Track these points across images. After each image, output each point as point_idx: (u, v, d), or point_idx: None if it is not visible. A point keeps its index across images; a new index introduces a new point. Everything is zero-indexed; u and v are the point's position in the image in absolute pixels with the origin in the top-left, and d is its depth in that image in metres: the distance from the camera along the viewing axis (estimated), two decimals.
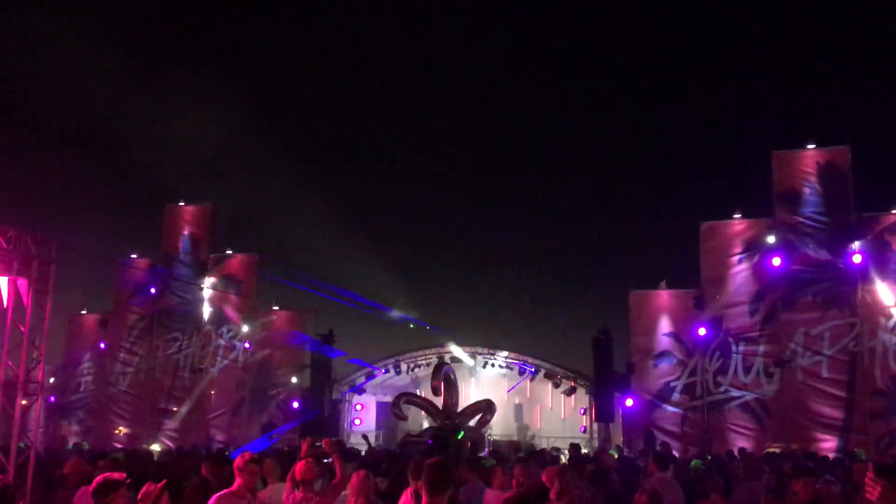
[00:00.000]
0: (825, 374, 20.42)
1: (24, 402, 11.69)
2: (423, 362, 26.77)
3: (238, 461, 6.61)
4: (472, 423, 21.56)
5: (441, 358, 25.67)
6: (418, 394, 25.91)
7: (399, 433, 24.86)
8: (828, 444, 19.54)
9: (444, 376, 21.93)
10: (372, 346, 27.91)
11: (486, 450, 19.16)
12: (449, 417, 21.24)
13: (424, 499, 5.05)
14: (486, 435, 22.73)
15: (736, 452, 16.48)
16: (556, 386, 26.16)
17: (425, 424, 23.44)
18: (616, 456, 16.01)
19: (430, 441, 18.11)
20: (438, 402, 22.13)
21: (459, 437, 18.67)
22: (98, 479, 5.37)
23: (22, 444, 11.90)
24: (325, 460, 7.84)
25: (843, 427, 19.95)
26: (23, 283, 11.93)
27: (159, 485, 5.40)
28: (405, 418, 23.44)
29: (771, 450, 18.30)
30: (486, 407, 21.61)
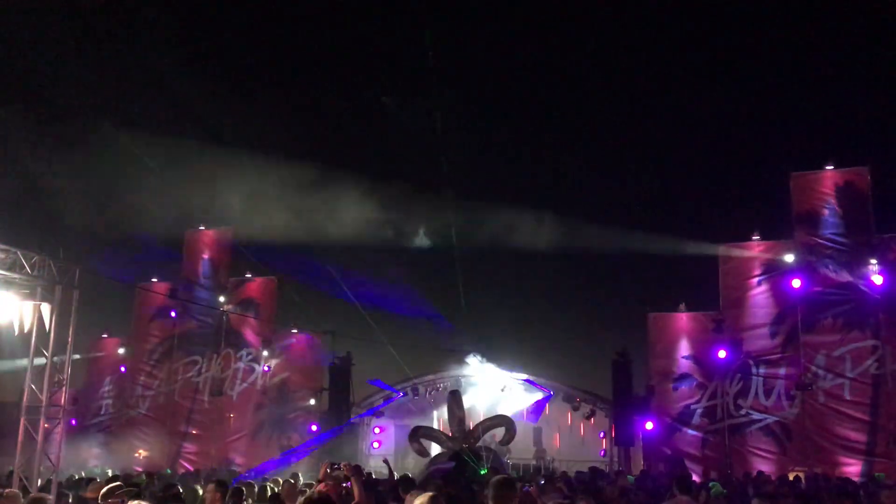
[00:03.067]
0: (847, 397, 20.23)
1: (46, 425, 11.80)
2: (441, 386, 26.71)
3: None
4: (489, 440, 21.41)
5: (457, 381, 25.65)
6: (435, 419, 25.80)
7: (412, 458, 24.56)
8: (851, 469, 19.32)
9: (453, 399, 21.83)
10: (390, 369, 27.82)
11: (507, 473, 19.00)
12: (465, 439, 21.14)
13: None
14: (506, 458, 22.59)
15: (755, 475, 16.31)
16: (576, 409, 25.99)
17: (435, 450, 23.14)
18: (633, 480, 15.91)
19: (451, 463, 18.04)
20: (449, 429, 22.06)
21: (483, 472, 18.33)
22: None
23: (44, 468, 12.02)
24: (344, 483, 7.87)
25: (867, 451, 19.73)
26: (46, 307, 12.09)
27: None
28: (427, 454, 23.07)
29: (794, 474, 18.11)
30: (504, 423, 21.33)
